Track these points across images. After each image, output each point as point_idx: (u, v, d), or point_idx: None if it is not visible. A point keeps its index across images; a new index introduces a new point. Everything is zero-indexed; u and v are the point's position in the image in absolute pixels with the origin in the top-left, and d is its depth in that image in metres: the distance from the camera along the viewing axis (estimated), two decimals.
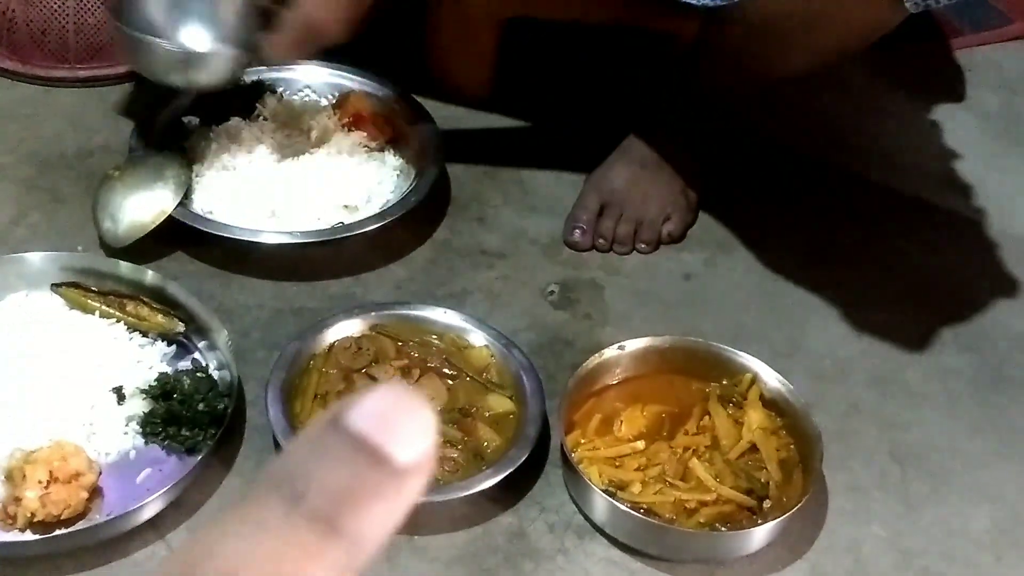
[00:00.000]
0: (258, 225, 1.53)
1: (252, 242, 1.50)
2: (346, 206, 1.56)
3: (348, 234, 1.53)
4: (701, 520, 1.27)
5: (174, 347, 1.39)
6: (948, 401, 1.47)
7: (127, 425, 1.30)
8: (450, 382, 1.37)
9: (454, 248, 1.61)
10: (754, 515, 1.28)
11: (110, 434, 1.29)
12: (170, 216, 1.50)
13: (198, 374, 1.33)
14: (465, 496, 1.26)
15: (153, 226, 1.50)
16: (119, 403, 1.31)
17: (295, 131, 1.64)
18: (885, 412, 1.45)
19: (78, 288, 1.41)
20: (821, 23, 1.39)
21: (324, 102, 1.71)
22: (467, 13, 1.75)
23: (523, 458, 1.28)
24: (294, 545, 0.32)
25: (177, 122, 1.65)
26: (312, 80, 1.74)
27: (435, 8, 1.79)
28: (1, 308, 1.40)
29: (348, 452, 0.33)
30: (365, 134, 1.65)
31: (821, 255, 1.64)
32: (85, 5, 1.72)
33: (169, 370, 1.35)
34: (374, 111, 1.67)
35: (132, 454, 1.29)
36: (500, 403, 1.36)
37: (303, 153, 1.61)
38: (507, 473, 1.27)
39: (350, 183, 1.59)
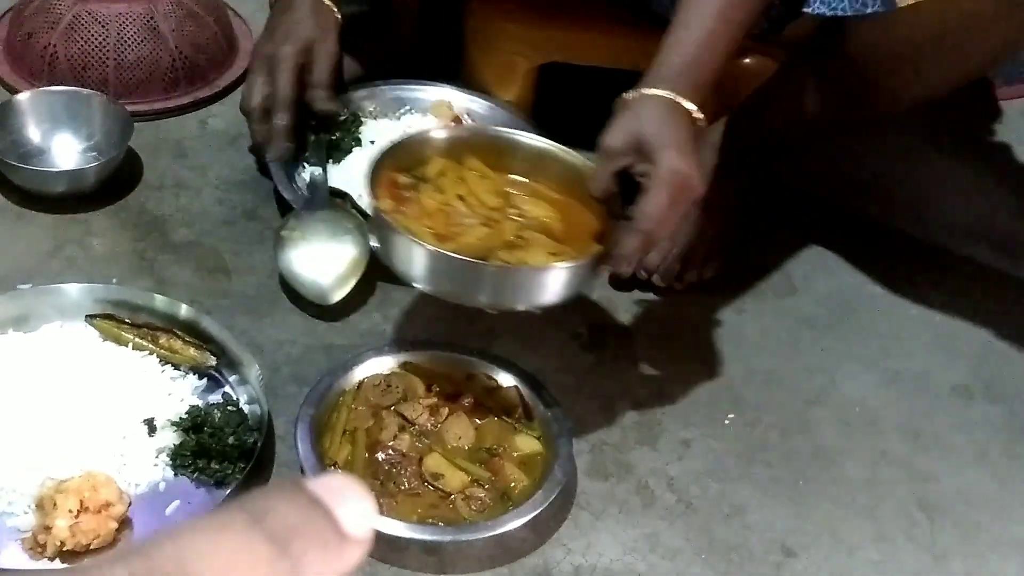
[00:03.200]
0: None
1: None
2: None
3: None
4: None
5: (205, 380, 1.40)
6: (977, 452, 1.47)
7: (157, 457, 1.31)
8: (478, 421, 1.37)
9: None
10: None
11: (140, 466, 1.30)
12: None
13: (228, 408, 1.33)
14: (492, 536, 1.26)
15: (358, 277, 1.51)
16: (150, 435, 1.32)
17: None
18: (914, 462, 1.45)
19: (112, 320, 1.42)
20: (955, 43, 1.37)
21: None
22: (503, 58, 1.76)
23: (550, 499, 1.28)
24: (248, 552, 0.38)
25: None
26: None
27: (471, 53, 1.81)
28: (36, 339, 1.42)
29: (305, 504, 0.39)
30: None
31: (852, 304, 1.64)
32: (125, 41, 1.75)
33: (200, 403, 1.36)
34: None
35: (162, 486, 1.30)
36: (528, 444, 1.36)
37: None
38: (534, 514, 1.27)
39: None
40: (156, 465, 1.31)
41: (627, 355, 1.54)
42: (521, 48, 1.75)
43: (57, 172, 1.65)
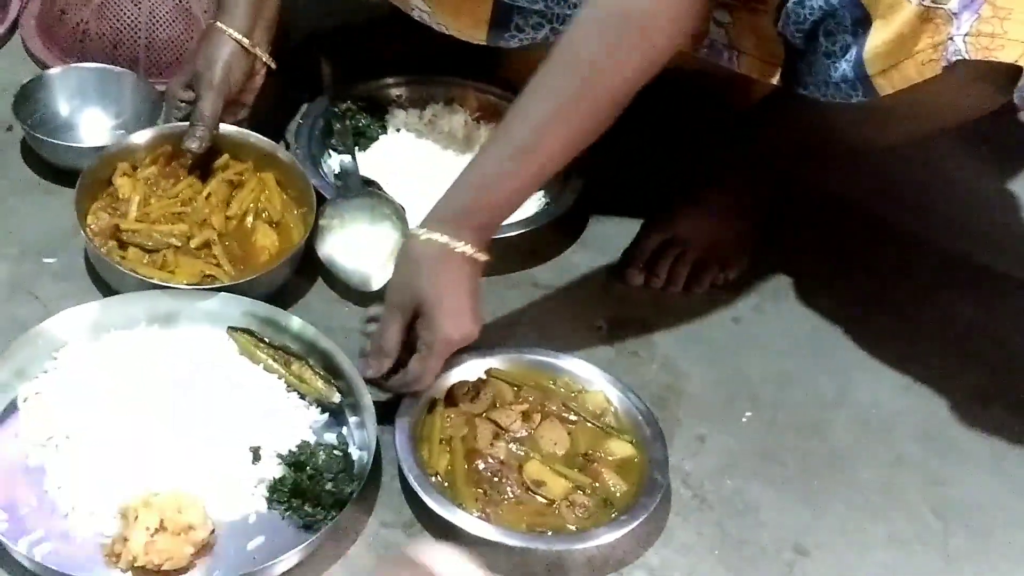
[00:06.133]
0: None
1: None
2: None
3: None
4: None
5: (326, 416, 1.38)
6: (993, 459, 1.50)
7: (255, 487, 1.29)
8: (570, 426, 1.38)
9: (507, 279, 1.62)
10: None
11: (237, 492, 1.28)
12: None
13: (335, 452, 1.30)
14: (601, 543, 1.28)
15: None
16: (253, 462, 1.30)
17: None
18: (929, 467, 1.48)
19: (251, 336, 1.40)
20: (927, 107, 1.40)
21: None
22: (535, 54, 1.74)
23: (654, 504, 1.31)
24: None
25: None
26: None
27: (511, 51, 1.78)
28: (175, 338, 1.41)
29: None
30: None
31: (872, 309, 1.67)
32: (157, 21, 1.74)
33: (312, 439, 1.33)
34: None
35: (252, 518, 1.28)
36: (621, 448, 1.37)
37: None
38: (641, 519, 1.29)
39: None
40: (252, 495, 1.29)
41: (646, 350, 1.57)
42: None
43: (85, 148, 1.63)
